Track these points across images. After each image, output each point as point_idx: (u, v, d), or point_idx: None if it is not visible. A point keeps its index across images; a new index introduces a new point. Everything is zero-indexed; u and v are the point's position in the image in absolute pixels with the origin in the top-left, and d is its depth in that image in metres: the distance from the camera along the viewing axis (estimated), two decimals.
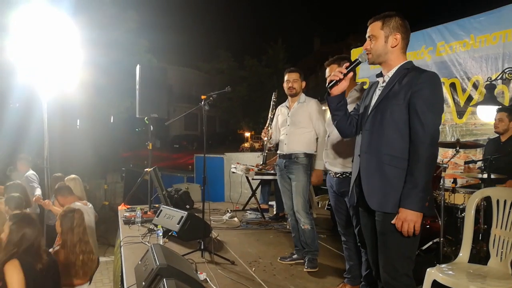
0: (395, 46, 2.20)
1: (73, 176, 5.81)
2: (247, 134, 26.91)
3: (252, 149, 21.50)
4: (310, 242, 3.68)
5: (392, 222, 2.07)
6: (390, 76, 2.22)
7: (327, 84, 2.38)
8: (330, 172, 3.24)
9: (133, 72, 6.03)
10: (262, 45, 26.31)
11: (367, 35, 2.27)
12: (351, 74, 2.31)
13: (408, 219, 2.01)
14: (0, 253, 2.88)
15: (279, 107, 4.08)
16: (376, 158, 2.16)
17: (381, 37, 2.21)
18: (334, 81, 2.30)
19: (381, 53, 2.22)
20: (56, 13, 6.66)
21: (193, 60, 29.17)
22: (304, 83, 3.89)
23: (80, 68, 7.57)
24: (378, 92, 2.27)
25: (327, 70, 3.28)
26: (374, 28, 2.23)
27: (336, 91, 2.34)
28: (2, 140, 9.01)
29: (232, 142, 25.64)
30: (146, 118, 6.02)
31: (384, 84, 2.24)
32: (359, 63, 2.31)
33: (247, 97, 23.90)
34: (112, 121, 15.39)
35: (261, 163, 4.12)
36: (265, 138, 4.00)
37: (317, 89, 19.90)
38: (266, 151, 4.05)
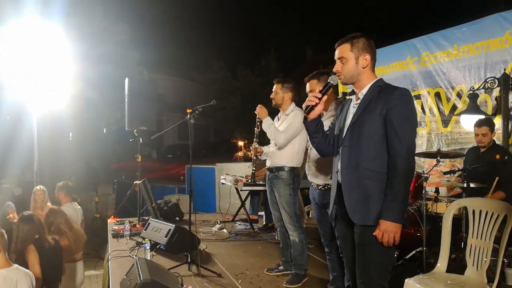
0: (366, 66, 2.29)
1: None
2: (241, 143, 26.94)
3: (246, 158, 21.51)
4: (297, 255, 3.69)
5: (374, 233, 2.13)
6: (364, 93, 2.29)
7: (303, 108, 2.43)
8: (312, 184, 3.29)
9: (123, 84, 6.07)
10: (255, 55, 26.50)
11: (336, 57, 2.34)
12: (325, 97, 2.37)
13: (389, 230, 2.10)
14: (18, 244, 3.90)
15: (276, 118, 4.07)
16: (356, 173, 2.24)
17: (351, 58, 2.29)
18: (310, 106, 2.36)
19: (354, 74, 2.30)
20: (47, 27, 6.72)
21: (186, 70, 29.25)
22: (289, 95, 3.86)
23: (71, 81, 7.62)
24: (353, 110, 2.34)
25: (307, 85, 3.33)
26: (343, 50, 2.31)
27: (313, 115, 2.39)
28: None
29: (226, 151, 25.64)
30: (135, 130, 6.06)
31: (359, 101, 2.31)
32: (331, 86, 2.39)
33: (240, 107, 23.94)
34: (104, 132, 15.37)
35: (250, 180, 4.15)
36: (253, 154, 4.02)
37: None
38: (254, 168, 4.08)
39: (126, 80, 5.99)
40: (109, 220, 6.20)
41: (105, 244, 6.79)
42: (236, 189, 6.03)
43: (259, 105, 3.89)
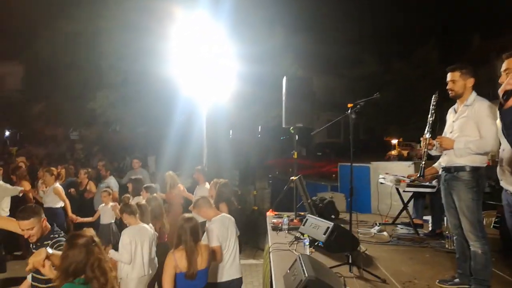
0: None
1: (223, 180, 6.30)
2: (394, 141, 25.33)
3: (400, 158, 20.14)
4: (478, 269, 3.18)
5: None
6: None
7: (500, 94, 1.99)
8: (507, 190, 2.75)
9: (279, 83, 6.25)
10: (411, 46, 24.53)
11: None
12: None
13: None
14: None
15: (450, 109, 3.60)
16: None
17: None
18: (510, 90, 1.93)
19: None
20: (215, 29, 7.40)
21: (336, 67, 28.94)
22: (471, 80, 3.33)
23: (233, 81, 8.24)
24: None
25: (504, 63, 2.75)
26: None
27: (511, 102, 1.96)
28: (169, 148, 10.38)
29: (377, 149, 24.44)
30: (291, 127, 6.16)
31: None
32: None
33: (394, 103, 22.50)
34: (260, 130, 16.31)
35: (418, 174, 3.71)
36: (424, 147, 3.58)
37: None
38: (424, 162, 3.63)
39: (284, 79, 6.14)
40: (267, 213, 6.46)
41: (263, 235, 7.14)
42: (397, 189, 5.59)
43: (438, 137, 3.44)
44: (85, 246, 2.57)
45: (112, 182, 7.60)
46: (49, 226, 3.25)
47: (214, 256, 3.87)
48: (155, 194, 5.51)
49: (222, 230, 4.00)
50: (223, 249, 3.98)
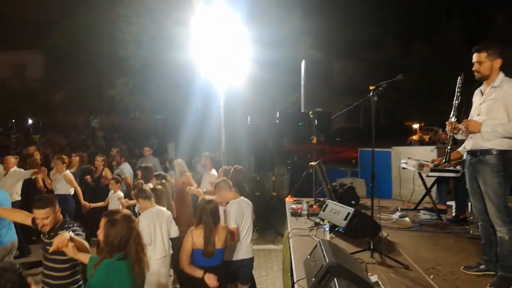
0: None
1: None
2: (416, 126, 24.82)
3: (421, 143, 19.75)
4: (506, 255, 3.09)
5: None
6: None
7: None
8: None
9: (296, 68, 6.14)
10: (432, 27, 23.75)
11: None
12: None
13: None
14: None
15: (476, 90, 3.46)
16: None
17: None
18: None
19: None
20: (232, 13, 7.30)
21: (354, 51, 28.36)
22: (499, 61, 3.19)
23: (249, 65, 8.15)
24: None
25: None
26: None
27: None
28: (187, 134, 10.43)
29: (397, 134, 24.01)
30: (310, 112, 6.07)
31: None
32: None
33: (415, 86, 21.95)
34: (278, 116, 16.20)
35: (444, 160, 3.59)
36: (449, 131, 3.46)
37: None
38: (450, 147, 3.51)
39: (303, 62, 6.03)
40: (286, 199, 6.44)
41: (282, 221, 7.14)
42: (420, 174, 5.47)
43: (464, 121, 3.31)
44: (126, 221, 2.69)
45: (125, 168, 7.78)
46: (62, 217, 3.31)
47: (232, 236, 4.06)
48: (163, 181, 5.60)
49: (239, 213, 4.24)
50: (239, 230, 4.21)
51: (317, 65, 6.23)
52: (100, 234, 2.68)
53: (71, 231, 3.03)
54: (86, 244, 3.04)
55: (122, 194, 6.43)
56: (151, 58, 10.64)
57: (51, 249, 2.78)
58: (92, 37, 16.30)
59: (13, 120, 26.91)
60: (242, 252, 4.27)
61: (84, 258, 2.84)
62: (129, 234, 2.66)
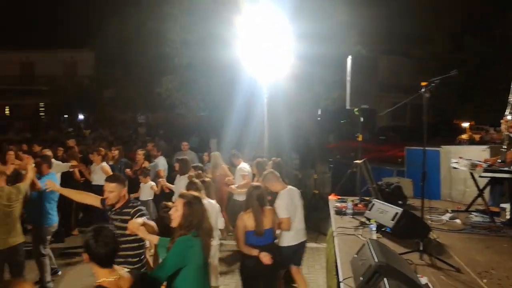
0: None
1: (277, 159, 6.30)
2: (465, 125, 23.62)
3: (471, 142, 18.80)
4: None
5: None
6: None
7: None
8: None
9: (341, 64, 6.03)
10: (487, 22, 22.44)
11: None
12: None
13: None
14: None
15: None
16: None
17: None
18: None
19: None
20: (277, 11, 7.31)
21: (401, 47, 27.39)
22: None
23: (292, 61, 8.11)
24: None
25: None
26: None
27: None
28: (230, 131, 10.55)
29: (446, 133, 22.96)
30: (355, 109, 5.96)
31: None
32: None
33: (466, 83, 20.83)
34: (319, 113, 15.99)
35: (500, 160, 3.42)
36: (504, 130, 3.30)
37: None
38: (505, 146, 3.34)
39: (349, 58, 5.93)
40: (329, 197, 6.37)
41: (324, 219, 7.06)
42: (472, 175, 5.23)
43: None
44: (201, 203, 3.03)
45: (160, 161, 8.12)
46: (127, 197, 3.66)
47: (283, 224, 4.39)
48: (199, 171, 6.01)
49: (289, 202, 4.50)
50: (292, 218, 4.47)
51: (364, 60, 6.10)
52: (177, 213, 2.95)
53: (137, 212, 3.44)
54: (155, 226, 3.40)
55: (153, 183, 6.88)
56: (197, 56, 10.85)
57: (127, 231, 3.20)
58: (141, 36, 16.87)
59: (65, 116, 28.46)
60: (296, 237, 4.58)
61: (153, 239, 3.23)
62: (203, 214, 2.99)
